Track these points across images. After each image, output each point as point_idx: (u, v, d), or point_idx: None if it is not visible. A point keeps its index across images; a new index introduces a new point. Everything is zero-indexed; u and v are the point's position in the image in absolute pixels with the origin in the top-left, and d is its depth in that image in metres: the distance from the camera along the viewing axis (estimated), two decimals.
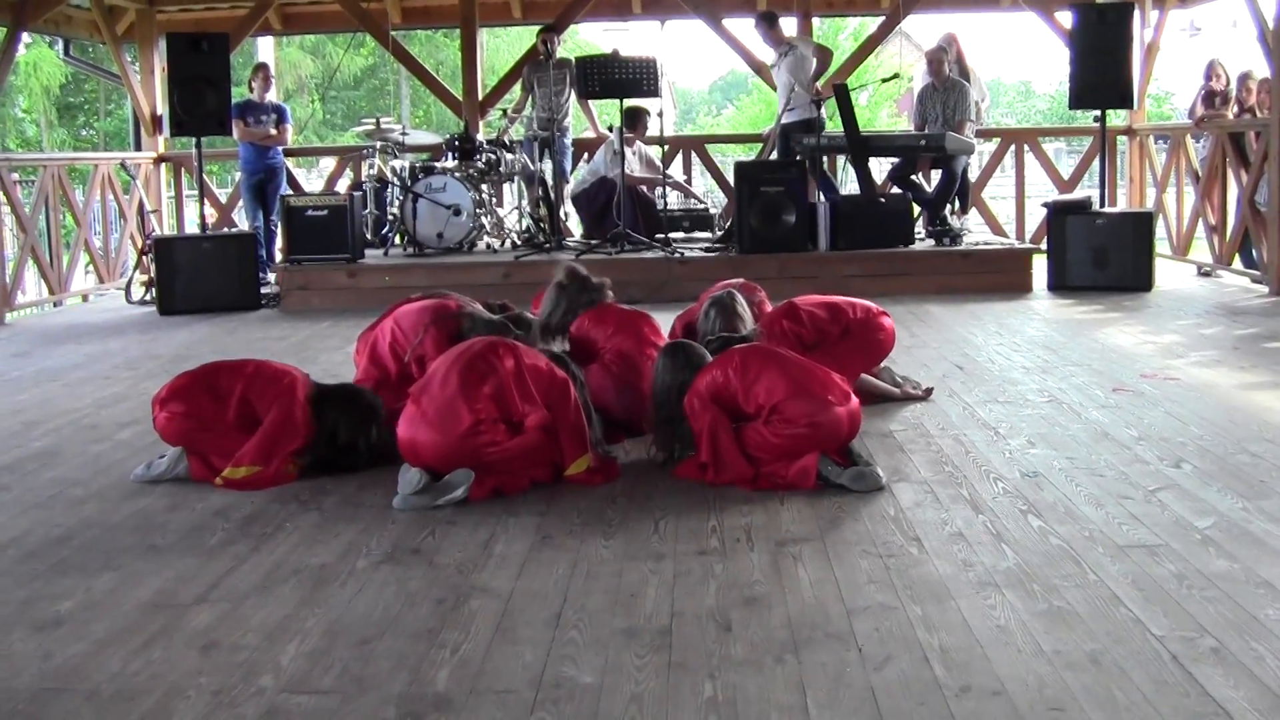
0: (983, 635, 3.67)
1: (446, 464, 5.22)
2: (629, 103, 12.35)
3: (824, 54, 13.05)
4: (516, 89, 14.37)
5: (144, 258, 13.12)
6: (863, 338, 6.93)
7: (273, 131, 13.32)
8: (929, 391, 7.13)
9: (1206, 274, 12.83)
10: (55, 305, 13.15)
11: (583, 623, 3.86)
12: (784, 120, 13.02)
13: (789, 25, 13.82)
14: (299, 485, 5.53)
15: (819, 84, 12.91)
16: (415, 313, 6.54)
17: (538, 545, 4.63)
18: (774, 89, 13.71)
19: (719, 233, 12.79)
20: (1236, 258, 12.37)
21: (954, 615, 3.83)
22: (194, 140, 12.52)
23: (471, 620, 3.90)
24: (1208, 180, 12.76)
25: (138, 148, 15.07)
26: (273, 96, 14.18)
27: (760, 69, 14.67)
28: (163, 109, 14.28)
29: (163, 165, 14.88)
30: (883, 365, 7.20)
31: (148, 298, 12.42)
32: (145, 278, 12.81)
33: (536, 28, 14.01)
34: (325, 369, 8.13)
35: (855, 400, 5.49)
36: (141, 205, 14.04)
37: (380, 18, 14.95)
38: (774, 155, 13.02)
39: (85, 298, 13.76)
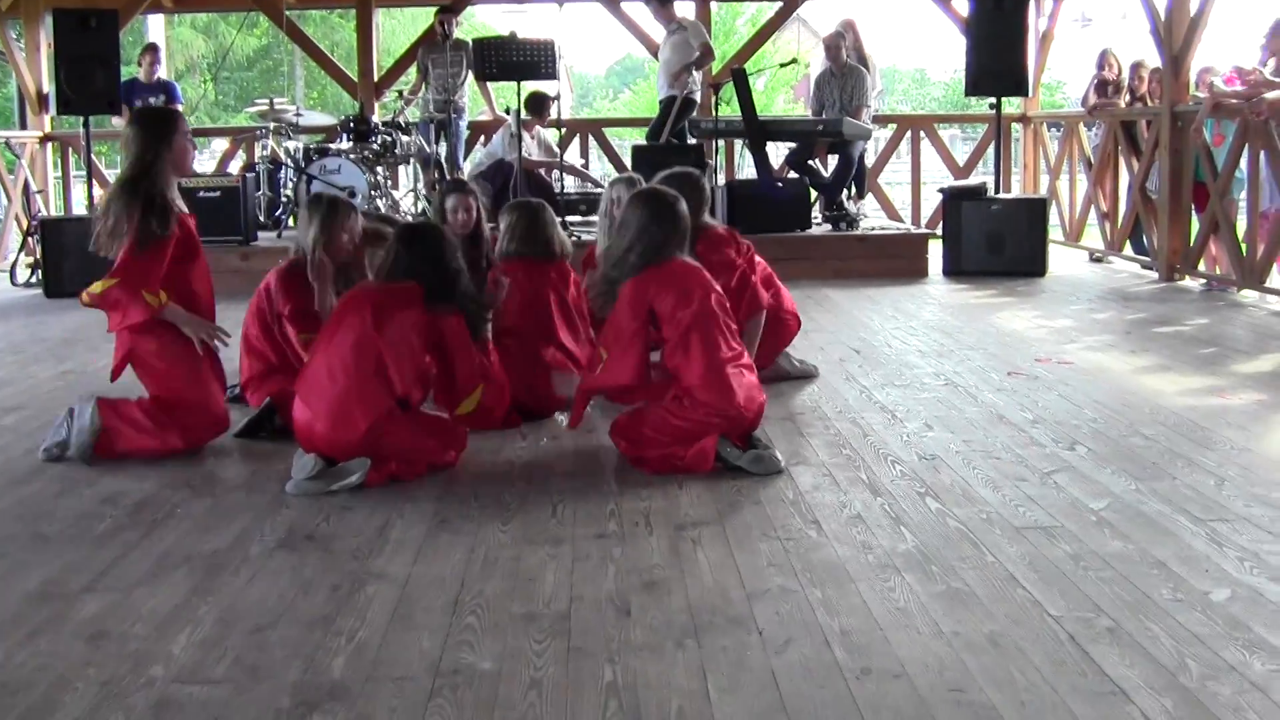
0: (882, 618, 3.67)
1: (343, 456, 5.15)
2: (531, 87, 12.28)
3: (707, 52, 13.00)
4: (413, 71, 14.24)
5: (30, 239, 12.83)
6: (777, 320, 6.95)
7: None
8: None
9: (1098, 260, 13.01)
10: None
11: (481, 608, 3.81)
12: (661, 96, 13.14)
13: (687, 9, 13.85)
14: (190, 471, 5.42)
15: (691, 76, 12.89)
16: (271, 275, 6.41)
17: (434, 530, 4.57)
18: None
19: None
20: (1128, 244, 12.54)
21: (854, 598, 3.83)
22: (82, 120, 12.29)
23: (368, 607, 3.84)
24: (1100, 168, 12.94)
25: (23, 127, 14.74)
26: (163, 75, 13.95)
27: (656, 52, 14.68)
28: (49, 87, 13.96)
29: (49, 145, 14.57)
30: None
31: (33, 280, 12.16)
32: (31, 260, 12.54)
33: (433, 9, 13.90)
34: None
35: (762, 394, 5.46)
36: (27, 185, 13.76)
37: None
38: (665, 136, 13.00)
39: None
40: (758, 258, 7.04)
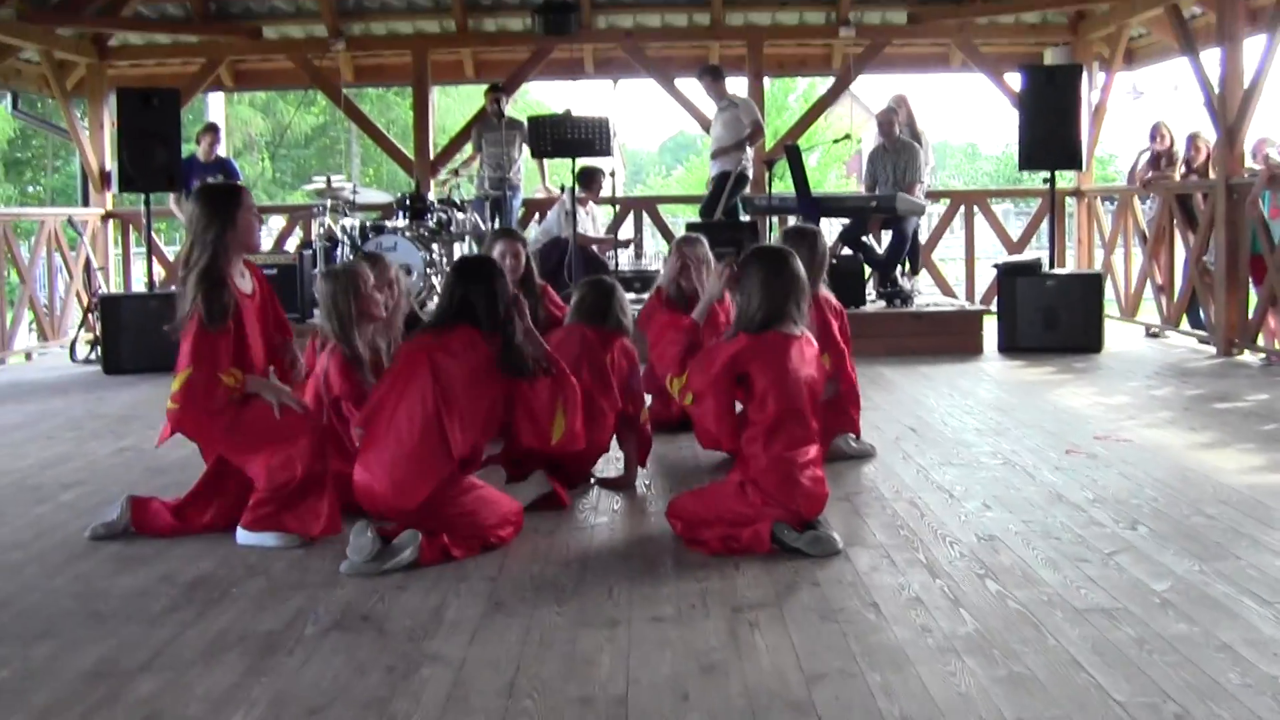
0: (944, 703, 3.61)
1: (401, 520, 5.15)
2: (583, 162, 12.35)
3: (758, 129, 13.06)
4: (467, 148, 14.36)
5: (90, 315, 12.97)
6: (841, 404, 6.98)
7: None
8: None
9: (1155, 335, 12.91)
10: None
11: (536, 692, 3.78)
12: (712, 172, 13.21)
13: (740, 85, 13.94)
14: (246, 551, 5.42)
15: (743, 152, 12.96)
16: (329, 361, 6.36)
17: (490, 611, 4.54)
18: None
19: None
20: (1184, 319, 12.45)
21: (914, 682, 3.78)
22: (143, 197, 12.44)
23: (423, 689, 3.82)
24: (1155, 241, 12.85)
25: (85, 204, 14.93)
26: (221, 153, 14.13)
27: (709, 128, 14.78)
28: (111, 165, 14.17)
29: (110, 222, 14.76)
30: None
31: (93, 356, 12.27)
32: (91, 336, 12.66)
33: (485, 86, 14.04)
34: None
35: (825, 490, 5.42)
36: (88, 262, 13.93)
37: (332, 75, 14.95)
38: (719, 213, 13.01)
39: (29, 356, 13.57)
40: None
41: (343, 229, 12.69)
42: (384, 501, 5.20)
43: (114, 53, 14.76)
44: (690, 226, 12.62)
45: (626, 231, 14.44)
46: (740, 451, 5.45)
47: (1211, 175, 11.88)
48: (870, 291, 12.64)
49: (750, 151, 13.08)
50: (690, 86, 14.55)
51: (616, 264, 12.73)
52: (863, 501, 6.09)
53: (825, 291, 7.11)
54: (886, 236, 12.87)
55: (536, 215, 14.37)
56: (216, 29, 14.61)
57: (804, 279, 5.54)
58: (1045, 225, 13.39)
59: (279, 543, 5.44)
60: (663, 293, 7.66)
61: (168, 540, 5.56)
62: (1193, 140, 12.53)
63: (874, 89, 56.43)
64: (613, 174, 12.82)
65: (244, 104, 36.75)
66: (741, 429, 5.47)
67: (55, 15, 13.56)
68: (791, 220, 13.37)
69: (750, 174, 13.08)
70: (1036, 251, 14.42)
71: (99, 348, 11.92)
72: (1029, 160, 12.31)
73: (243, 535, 5.50)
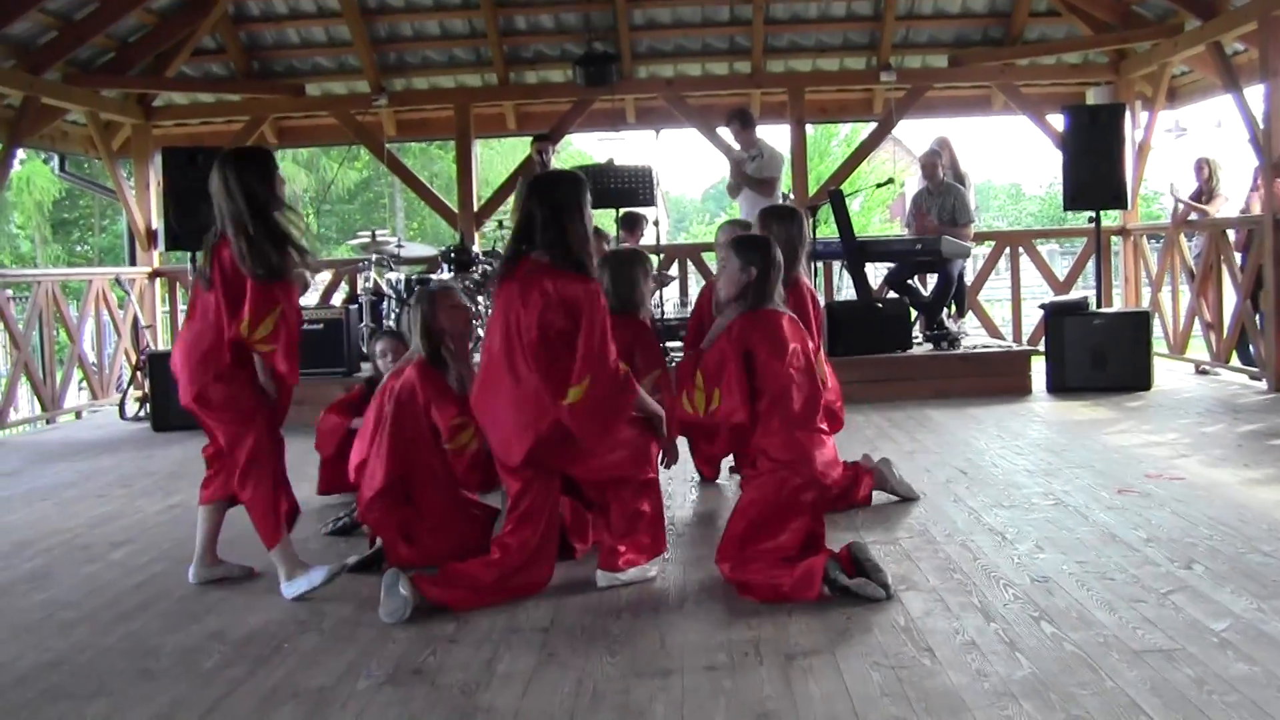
0: None
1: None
2: (625, 209, 12.37)
3: (769, 185, 12.80)
4: (511, 200, 14.41)
5: (138, 374, 13.06)
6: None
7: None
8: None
9: (1204, 372, 12.80)
10: (48, 422, 13.04)
11: None
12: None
13: (782, 132, 13.94)
14: (296, 605, 5.43)
15: (776, 197, 12.84)
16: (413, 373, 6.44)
17: (543, 662, 4.52)
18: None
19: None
20: (1234, 355, 12.35)
21: None
22: (189, 255, 12.53)
23: None
24: (1203, 278, 12.76)
25: (132, 263, 15.07)
26: None
27: None
28: (158, 224, 14.31)
29: (157, 280, 14.88)
30: (882, 459, 7.16)
31: (142, 414, 12.35)
32: (139, 394, 12.74)
33: (530, 139, 14.09)
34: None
35: (839, 468, 5.50)
36: (136, 321, 14.04)
37: (375, 130, 15.07)
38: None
39: (78, 414, 13.67)
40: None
41: (388, 283, 12.74)
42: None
43: (159, 113, 14.93)
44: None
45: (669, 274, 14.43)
46: (756, 440, 5.48)
47: (1222, 200, 11.87)
48: (917, 334, 12.60)
49: (780, 196, 12.97)
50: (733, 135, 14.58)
51: (662, 312, 12.73)
52: (914, 545, 6.04)
53: (805, 278, 7.10)
54: (932, 279, 12.83)
55: None
56: (260, 87, 14.77)
57: (781, 261, 5.75)
58: (1091, 264, 13.33)
59: None
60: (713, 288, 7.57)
61: (219, 595, 5.58)
62: (1200, 166, 12.58)
63: (916, 133, 56.40)
64: (656, 223, 12.83)
65: (288, 160, 37.09)
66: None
67: (100, 77, 13.72)
68: (837, 265, 13.37)
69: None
70: (1083, 291, 14.36)
71: (148, 405, 12.00)
72: (1074, 200, 12.27)
73: None
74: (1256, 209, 12.03)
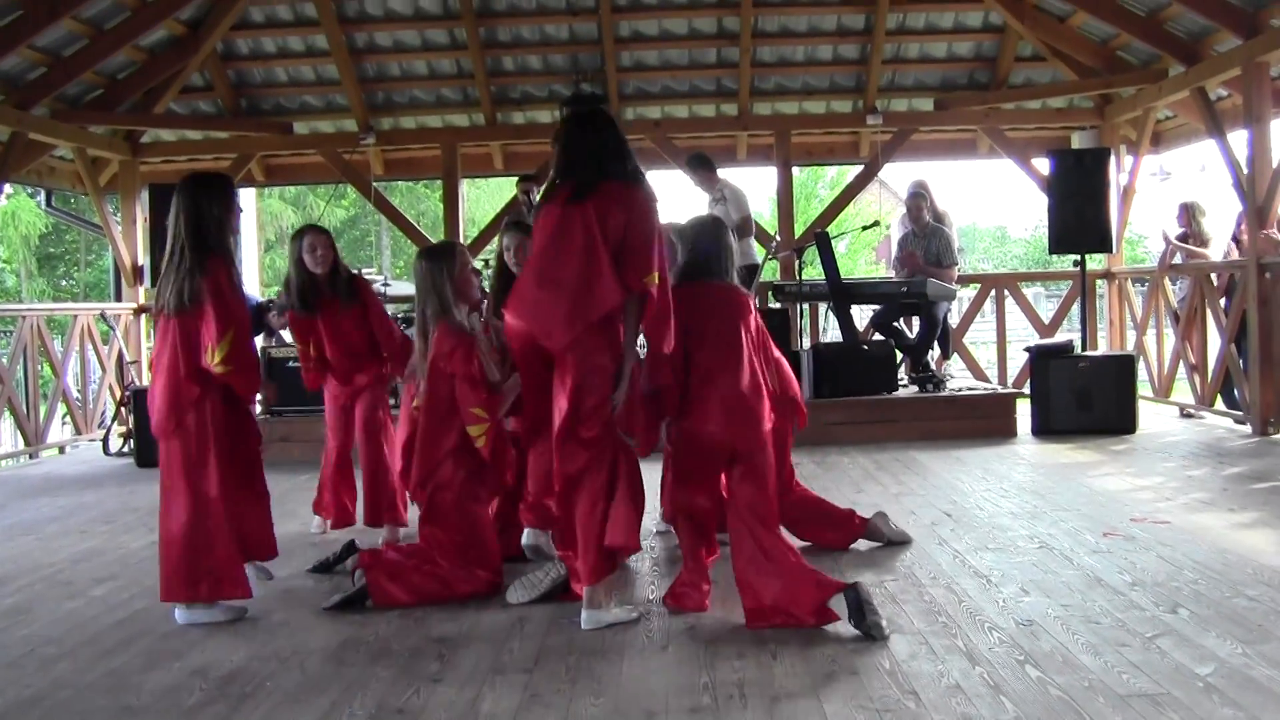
0: None
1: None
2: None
3: (746, 224, 12.71)
4: (495, 241, 14.42)
5: (123, 409, 13.03)
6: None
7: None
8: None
9: (1189, 415, 12.82)
10: (31, 457, 12.99)
11: None
12: None
13: (769, 174, 13.94)
14: (280, 642, 5.41)
15: (748, 243, 12.79)
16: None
17: (526, 703, 4.50)
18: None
19: None
20: (1219, 398, 12.37)
21: None
22: None
23: None
24: (1187, 322, 12.80)
25: (118, 298, 15.04)
26: (253, 244, 14.23)
27: None
28: (144, 259, 14.30)
29: (143, 316, 14.84)
30: (878, 513, 7.15)
31: (126, 449, 12.32)
32: (124, 429, 12.71)
33: (516, 178, 14.11)
34: (304, 522, 8.04)
35: (760, 423, 5.74)
36: (121, 356, 14.02)
37: (362, 169, 15.08)
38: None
39: (62, 449, 13.63)
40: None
41: None
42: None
43: (146, 149, 14.93)
44: None
45: None
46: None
47: (1212, 245, 11.99)
48: (902, 376, 12.62)
49: (754, 243, 12.95)
50: (721, 174, 14.60)
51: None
52: (899, 588, 6.03)
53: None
54: (918, 321, 12.85)
55: None
56: (248, 125, 14.78)
57: (728, 245, 6.13)
58: (1076, 307, 13.37)
59: None
60: None
61: (202, 631, 5.55)
62: (1185, 210, 12.69)
63: (902, 175, 56.58)
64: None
65: (275, 198, 37.11)
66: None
67: (88, 113, 13.73)
68: (823, 307, 13.37)
69: (760, 262, 12.88)
70: (1068, 334, 14.39)
71: (132, 441, 11.96)
72: (1059, 244, 12.34)
73: None
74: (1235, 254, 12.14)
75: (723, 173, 13.09)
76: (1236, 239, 12.48)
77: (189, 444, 5.75)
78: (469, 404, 6.13)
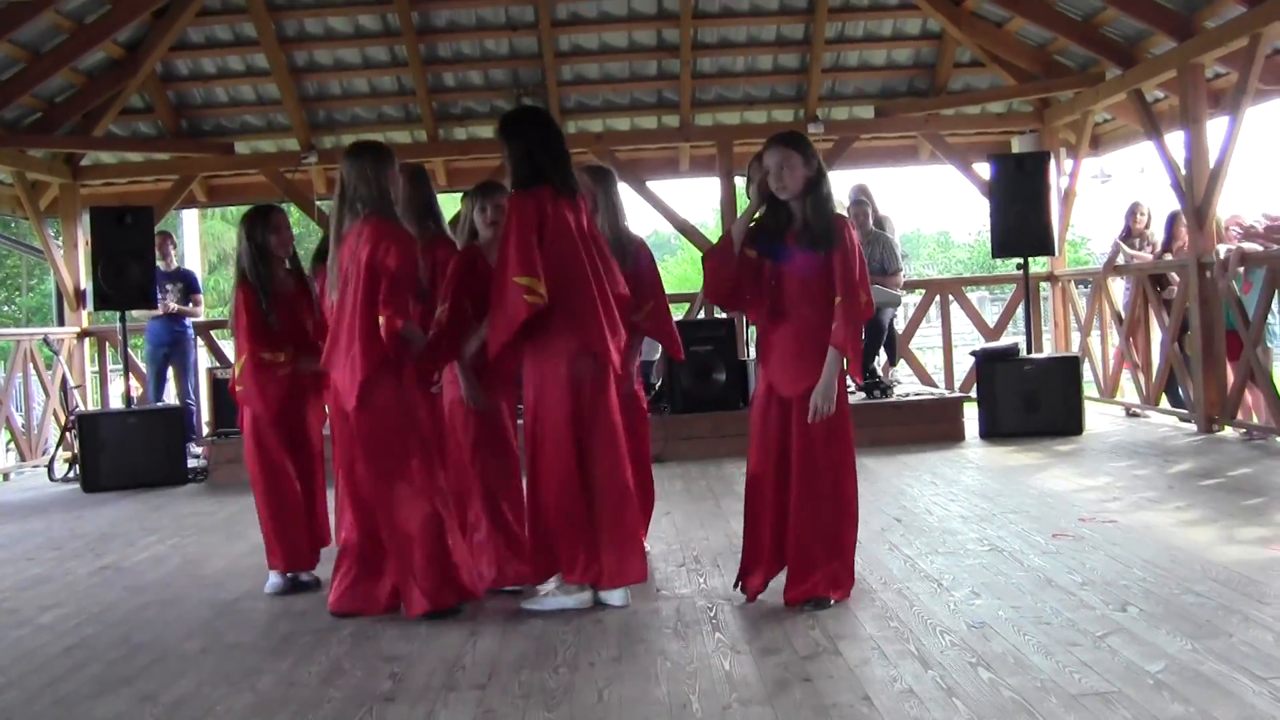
0: None
1: None
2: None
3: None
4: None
5: (67, 434, 12.91)
6: None
7: (173, 306, 13.21)
8: None
9: (1135, 415, 12.91)
10: None
11: None
12: None
13: (711, 185, 13.98)
14: (230, 665, 5.36)
15: None
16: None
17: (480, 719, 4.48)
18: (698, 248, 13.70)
19: (650, 393, 12.74)
20: (1164, 397, 12.47)
21: None
22: (118, 314, 12.44)
23: None
24: (1131, 322, 12.90)
25: (60, 323, 14.92)
26: (185, 264, 14.15)
27: (684, 229, 14.92)
28: (86, 283, 14.18)
29: (86, 340, 14.71)
30: None
31: (71, 475, 12.20)
32: (69, 454, 12.59)
33: (460, 194, 14.06)
34: (255, 545, 7.98)
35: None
36: (64, 381, 13.89)
37: (305, 188, 15.00)
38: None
39: (6, 476, 13.50)
40: None
41: None
42: None
43: (87, 172, 14.79)
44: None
45: None
46: None
47: (1148, 237, 12.17)
48: (849, 383, 12.62)
49: None
50: (662, 187, 14.67)
51: None
52: (851, 594, 6.04)
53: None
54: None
55: None
56: (188, 146, 14.67)
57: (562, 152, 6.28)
58: (1021, 310, 13.45)
59: None
60: None
61: (151, 656, 5.51)
62: (1134, 210, 12.79)
63: (844, 183, 56.52)
64: None
65: (217, 219, 36.86)
66: None
67: (27, 136, 13.61)
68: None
69: None
70: (1013, 337, 14.47)
71: (78, 466, 11.86)
72: (1002, 248, 12.40)
73: None
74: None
75: (666, 185, 13.12)
76: (1126, 235, 12.67)
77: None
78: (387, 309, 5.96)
